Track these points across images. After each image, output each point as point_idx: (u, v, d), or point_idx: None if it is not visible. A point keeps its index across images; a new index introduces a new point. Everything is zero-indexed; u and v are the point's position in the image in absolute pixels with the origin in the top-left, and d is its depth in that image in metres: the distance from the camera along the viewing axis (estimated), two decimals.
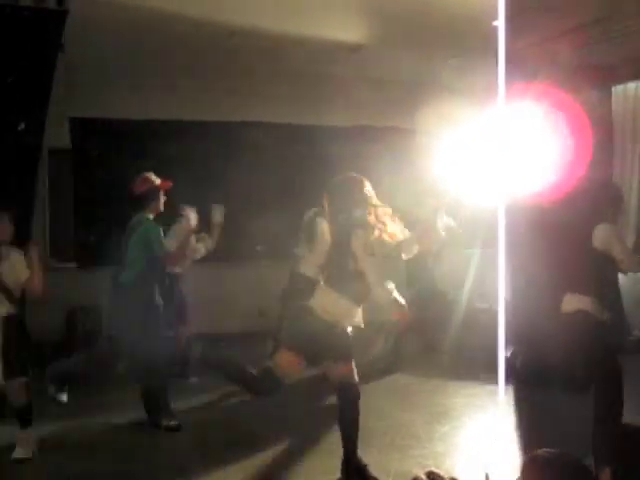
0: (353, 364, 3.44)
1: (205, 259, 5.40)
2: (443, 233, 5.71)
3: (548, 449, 1.67)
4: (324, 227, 3.74)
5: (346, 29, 5.63)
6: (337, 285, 3.30)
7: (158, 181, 4.31)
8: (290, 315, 3.75)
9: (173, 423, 4.20)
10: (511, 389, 4.84)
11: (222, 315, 6.37)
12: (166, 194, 4.36)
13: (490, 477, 1.69)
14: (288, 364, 3.35)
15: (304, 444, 4.02)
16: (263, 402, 3.99)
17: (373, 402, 4.76)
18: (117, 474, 3.55)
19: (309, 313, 3.29)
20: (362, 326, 3.42)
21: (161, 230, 4.22)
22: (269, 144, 7.06)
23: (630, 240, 7.01)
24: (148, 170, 4.32)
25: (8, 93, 4.41)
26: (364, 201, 3.34)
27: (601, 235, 3.54)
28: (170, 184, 4.37)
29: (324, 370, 3.54)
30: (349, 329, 3.40)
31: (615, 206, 3.72)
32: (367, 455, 3.63)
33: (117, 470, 3.59)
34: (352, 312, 3.35)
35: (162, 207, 4.34)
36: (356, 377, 3.45)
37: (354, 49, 6.11)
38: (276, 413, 4.36)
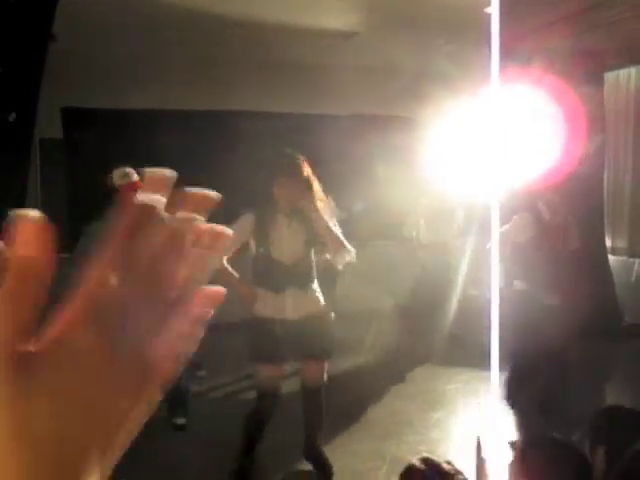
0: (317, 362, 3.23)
1: None
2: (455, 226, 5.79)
3: (542, 434, 1.69)
4: None
5: (339, 16, 5.60)
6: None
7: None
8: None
9: (180, 422, 4.09)
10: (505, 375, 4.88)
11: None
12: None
13: (482, 442, 1.71)
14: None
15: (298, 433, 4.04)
16: None
17: (367, 389, 4.80)
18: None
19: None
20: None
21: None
22: (264, 133, 7.03)
23: (624, 230, 7.07)
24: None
25: None
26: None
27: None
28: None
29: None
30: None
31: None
32: (362, 442, 3.66)
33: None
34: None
35: None
36: (323, 378, 3.27)
37: (347, 36, 6.08)
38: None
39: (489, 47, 3.39)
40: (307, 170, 3.14)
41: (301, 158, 3.16)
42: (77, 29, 5.12)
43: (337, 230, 3.19)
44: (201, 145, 6.85)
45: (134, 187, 3.88)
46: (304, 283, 3.19)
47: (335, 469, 3.44)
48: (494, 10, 3.63)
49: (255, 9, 5.14)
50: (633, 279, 6.76)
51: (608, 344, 5.82)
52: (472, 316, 5.53)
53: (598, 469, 1.55)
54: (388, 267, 6.56)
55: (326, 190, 4.18)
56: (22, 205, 4.80)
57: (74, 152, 6.60)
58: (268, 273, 3.15)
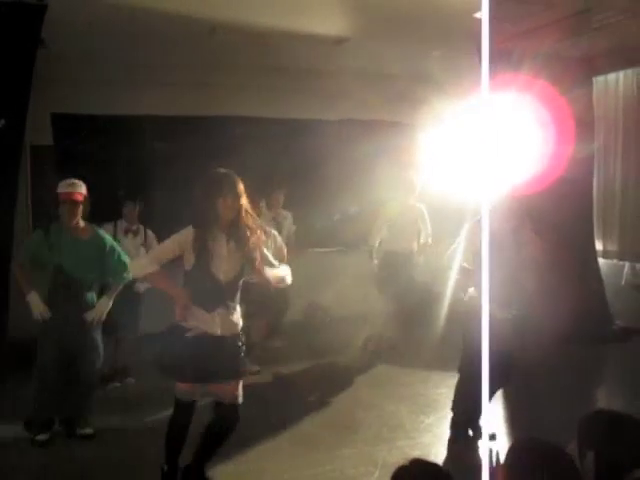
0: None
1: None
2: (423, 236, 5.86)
3: (531, 437, 1.70)
4: None
5: (330, 22, 5.61)
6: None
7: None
8: None
9: (88, 431, 3.96)
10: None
11: None
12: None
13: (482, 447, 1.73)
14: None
15: (288, 437, 4.02)
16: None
17: (359, 394, 4.79)
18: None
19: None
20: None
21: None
22: (255, 139, 7.04)
23: (615, 233, 7.11)
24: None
25: None
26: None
27: None
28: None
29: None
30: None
31: None
32: (354, 447, 3.65)
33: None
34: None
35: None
36: (240, 396, 3.17)
37: (338, 42, 6.10)
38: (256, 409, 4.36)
39: (479, 51, 3.41)
40: (242, 190, 3.17)
41: (237, 178, 3.20)
42: (66, 35, 5.11)
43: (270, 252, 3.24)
44: (192, 150, 6.83)
45: (69, 196, 3.89)
46: (231, 303, 3.19)
47: (327, 474, 3.44)
48: (484, 15, 3.65)
49: (247, 15, 5.15)
50: (623, 282, 6.79)
51: (598, 347, 5.85)
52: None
53: (586, 473, 1.56)
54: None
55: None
56: (12, 212, 4.78)
57: (65, 158, 6.57)
58: (203, 289, 3.12)
